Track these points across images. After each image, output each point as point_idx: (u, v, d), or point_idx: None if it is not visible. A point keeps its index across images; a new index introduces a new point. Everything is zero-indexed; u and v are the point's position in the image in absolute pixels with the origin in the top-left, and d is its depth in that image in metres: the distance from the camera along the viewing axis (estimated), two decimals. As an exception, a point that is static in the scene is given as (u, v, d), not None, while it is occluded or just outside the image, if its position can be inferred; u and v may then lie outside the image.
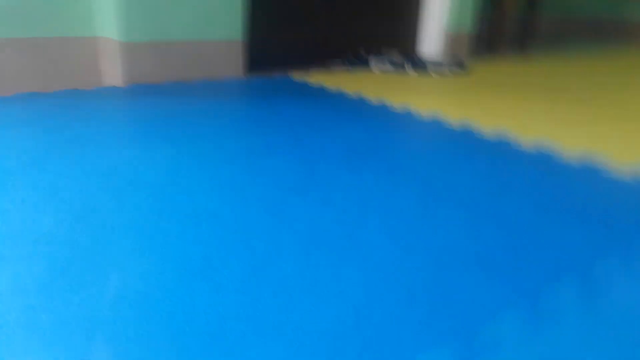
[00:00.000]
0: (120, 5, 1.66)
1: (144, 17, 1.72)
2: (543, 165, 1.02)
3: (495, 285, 0.58)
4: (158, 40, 1.77)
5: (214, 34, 1.87)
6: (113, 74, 1.79)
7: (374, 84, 1.92)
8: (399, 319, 0.51)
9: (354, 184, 0.88)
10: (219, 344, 0.47)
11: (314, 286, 0.57)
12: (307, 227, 0.72)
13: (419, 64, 2.26)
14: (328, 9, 2.34)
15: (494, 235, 0.71)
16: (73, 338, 0.48)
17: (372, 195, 0.84)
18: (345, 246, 0.67)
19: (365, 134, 1.21)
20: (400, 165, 0.99)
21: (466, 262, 0.63)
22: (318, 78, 2.02)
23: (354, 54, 2.48)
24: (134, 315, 0.52)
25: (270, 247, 0.66)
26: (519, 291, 0.57)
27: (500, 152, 1.11)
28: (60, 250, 0.64)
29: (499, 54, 3.07)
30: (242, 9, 1.90)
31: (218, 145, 1.10)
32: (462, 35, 2.78)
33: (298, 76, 2.05)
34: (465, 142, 1.18)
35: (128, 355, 0.46)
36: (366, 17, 2.51)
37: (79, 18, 1.79)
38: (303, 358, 0.45)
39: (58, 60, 1.80)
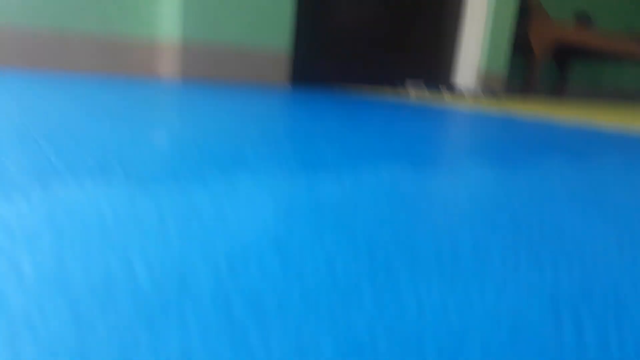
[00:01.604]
0: (181, 7, 1.81)
1: (201, 18, 1.86)
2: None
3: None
4: (210, 40, 1.90)
5: (262, 41, 2.00)
6: (169, 67, 1.92)
7: (414, 94, 1.99)
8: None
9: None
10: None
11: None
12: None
13: (454, 90, 2.33)
14: (371, 39, 2.47)
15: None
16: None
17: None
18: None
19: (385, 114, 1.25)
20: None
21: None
22: (361, 92, 2.11)
23: (390, 83, 2.57)
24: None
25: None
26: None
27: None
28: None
29: (530, 98, 3.13)
30: (290, 21, 2.03)
31: (235, 114, 1.16)
32: (495, 74, 2.86)
33: (340, 90, 2.14)
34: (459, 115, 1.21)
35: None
36: (406, 51, 2.62)
37: (142, 19, 1.95)
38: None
39: (119, 52, 1.94)
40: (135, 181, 0.39)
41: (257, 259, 0.26)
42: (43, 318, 0.19)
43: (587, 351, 0.20)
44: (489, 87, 2.79)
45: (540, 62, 3.20)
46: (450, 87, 2.31)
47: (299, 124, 0.85)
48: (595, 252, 0.31)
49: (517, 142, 0.85)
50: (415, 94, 2.33)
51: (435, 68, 2.78)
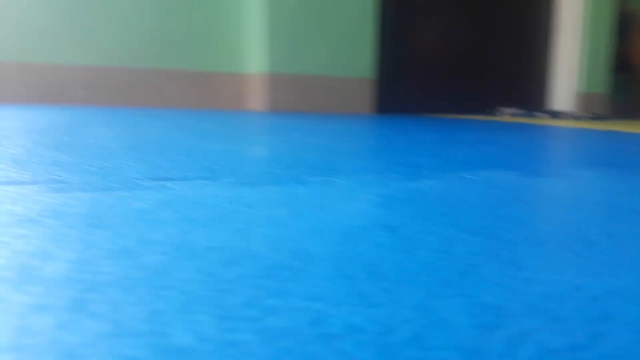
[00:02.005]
0: (267, 43, 1.90)
1: (286, 52, 1.94)
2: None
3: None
4: (296, 73, 1.97)
5: (345, 71, 2.04)
6: (257, 101, 2.01)
7: (507, 119, 1.92)
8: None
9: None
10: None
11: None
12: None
13: (549, 112, 2.22)
14: (457, 65, 2.44)
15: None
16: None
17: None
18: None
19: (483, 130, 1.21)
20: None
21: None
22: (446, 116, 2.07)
23: (480, 109, 2.50)
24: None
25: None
26: None
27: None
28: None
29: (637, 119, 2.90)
30: (372, 50, 2.05)
31: (344, 135, 1.17)
32: (595, 96, 2.69)
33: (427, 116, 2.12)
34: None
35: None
36: (496, 76, 2.55)
37: (231, 56, 2.08)
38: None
39: (212, 88, 2.07)
40: (243, 183, 0.41)
41: (369, 237, 0.26)
42: (177, 278, 0.20)
43: None
44: (589, 109, 2.63)
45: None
46: (547, 111, 2.21)
47: (389, 141, 0.85)
48: None
49: (631, 153, 0.79)
50: (508, 118, 2.25)
51: (528, 92, 2.67)
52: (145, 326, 0.15)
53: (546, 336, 0.16)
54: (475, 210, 0.33)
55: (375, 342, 0.15)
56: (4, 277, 0.19)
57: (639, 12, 2.97)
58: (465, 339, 0.15)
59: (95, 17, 1.91)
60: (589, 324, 0.17)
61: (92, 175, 0.43)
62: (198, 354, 0.14)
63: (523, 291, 0.19)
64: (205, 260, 0.21)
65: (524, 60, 2.62)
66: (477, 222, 0.30)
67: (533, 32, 2.65)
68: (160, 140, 0.74)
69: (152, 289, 0.18)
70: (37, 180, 0.40)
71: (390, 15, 2.22)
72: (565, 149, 0.84)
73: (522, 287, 0.20)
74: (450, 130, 1.19)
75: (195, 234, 0.26)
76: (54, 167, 0.47)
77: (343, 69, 2.04)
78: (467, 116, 2.22)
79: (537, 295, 0.19)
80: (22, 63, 1.86)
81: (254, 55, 2.04)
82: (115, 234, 0.25)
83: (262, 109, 1.98)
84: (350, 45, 2.03)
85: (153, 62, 2.00)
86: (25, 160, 0.50)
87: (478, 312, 0.17)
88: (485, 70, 2.52)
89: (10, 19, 1.82)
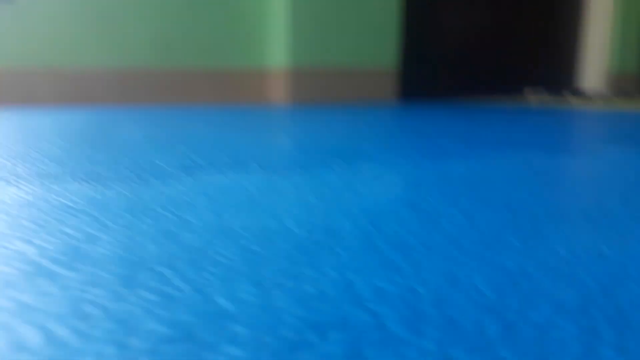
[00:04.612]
0: (289, 37, 1.91)
1: (309, 45, 1.95)
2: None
3: None
4: (319, 66, 1.98)
5: (368, 60, 2.04)
6: (279, 93, 2.03)
7: (534, 101, 1.90)
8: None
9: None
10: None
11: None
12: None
13: (579, 94, 2.18)
14: (481, 47, 2.40)
15: None
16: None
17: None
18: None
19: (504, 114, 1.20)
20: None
21: None
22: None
23: (507, 91, 2.47)
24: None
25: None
26: None
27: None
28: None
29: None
30: (396, 38, 2.05)
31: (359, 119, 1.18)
32: (628, 74, 2.62)
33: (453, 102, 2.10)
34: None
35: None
36: (522, 57, 2.51)
37: (253, 51, 2.10)
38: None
39: (235, 83, 2.10)
40: (269, 170, 0.42)
41: (395, 214, 0.27)
42: (217, 253, 0.21)
43: None
44: (621, 88, 2.57)
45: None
46: (575, 91, 2.17)
47: (413, 127, 0.85)
48: None
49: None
50: (535, 100, 2.22)
51: (556, 72, 2.63)
52: (194, 295, 0.17)
53: (560, 294, 0.16)
54: (497, 188, 0.34)
55: (401, 303, 0.16)
56: (58, 259, 0.21)
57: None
58: (484, 298, 0.16)
59: (119, 21, 1.95)
60: (601, 283, 0.17)
61: (127, 169, 0.45)
62: (241, 317, 0.15)
63: (541, 257, 0.20)
64: (242, 238, 0.23)
65: (552, 40, 2.57)
66: (500, 198, 0.31)
67: (562, 10, 2.60)
68: (188, 135, 0.76)
69: (196, 264, 0.20)
70: (77, 176, 0.42)
71: (413, 2, 2.20)
72: (591, 129, 0.83)
73: (541, 254, 0.21)
74: (475, 115, 1.18)
75: (230, 216, 0.27)
76: (91, 163, 0.49)
77: (366, 60, 2.04)
78: (493, 100, 2.20)
79: (554, 260, 0.20)
80: (52, 67, 1.92)
81: (276, 49, 2.05)
82: (153, 220, 0.27)
83: (285, 102, 1.99)
84: (374, 36, 2.03)
85: (177, 62, 2.03)
86: (64, 158, 0.53)
87: (497, 276, 0.18)
88: (512, 52, 2.48)
89: (39, 28, 1.88)
